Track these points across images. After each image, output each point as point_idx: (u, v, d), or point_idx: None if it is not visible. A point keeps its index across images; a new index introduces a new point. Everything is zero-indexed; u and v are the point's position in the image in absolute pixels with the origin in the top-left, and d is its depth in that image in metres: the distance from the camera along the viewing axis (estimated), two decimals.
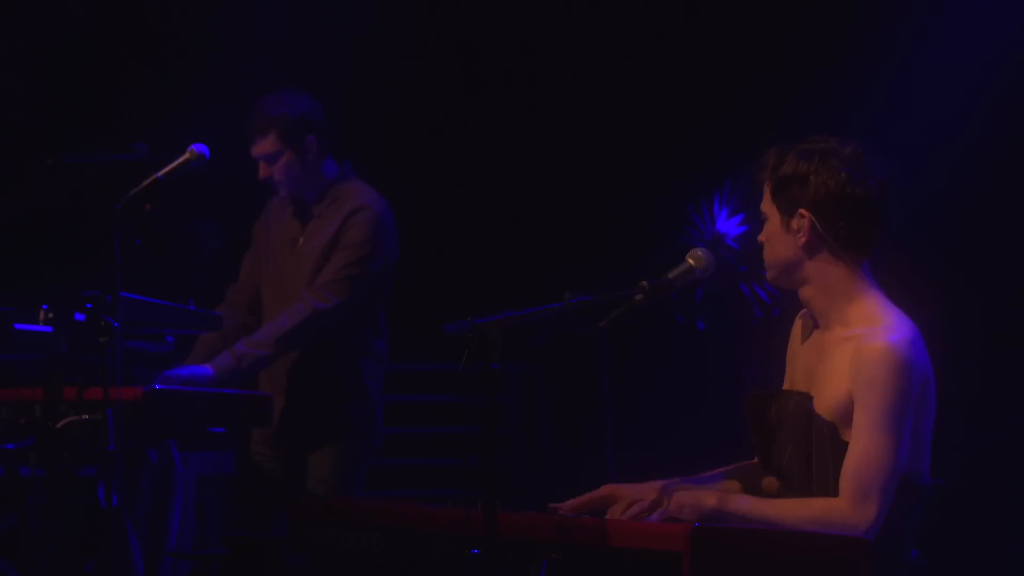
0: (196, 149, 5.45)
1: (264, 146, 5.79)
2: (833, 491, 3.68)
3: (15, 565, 6.21)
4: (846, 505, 3.61)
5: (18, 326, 5.38)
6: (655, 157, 9.09)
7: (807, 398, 3.80)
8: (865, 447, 3.64)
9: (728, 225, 9.15)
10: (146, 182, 5.20)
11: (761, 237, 3.92)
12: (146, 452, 5.86)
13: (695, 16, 8.88)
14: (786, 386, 3.98)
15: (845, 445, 3.69)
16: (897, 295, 3.90)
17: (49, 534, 5.40)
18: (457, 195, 9.09)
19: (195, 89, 8.02)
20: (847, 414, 3.70)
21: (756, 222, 3.99)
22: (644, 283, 3.77)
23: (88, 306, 4.95)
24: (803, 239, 3.82)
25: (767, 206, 3.88)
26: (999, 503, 8.34)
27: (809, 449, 3.76)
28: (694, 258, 3.86)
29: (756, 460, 3.97)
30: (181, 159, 5.40)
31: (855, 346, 3.72)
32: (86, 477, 5.48)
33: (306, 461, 5.79)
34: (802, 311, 3.99)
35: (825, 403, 3.76)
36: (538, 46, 9.12)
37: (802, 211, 3.81)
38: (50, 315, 5.15)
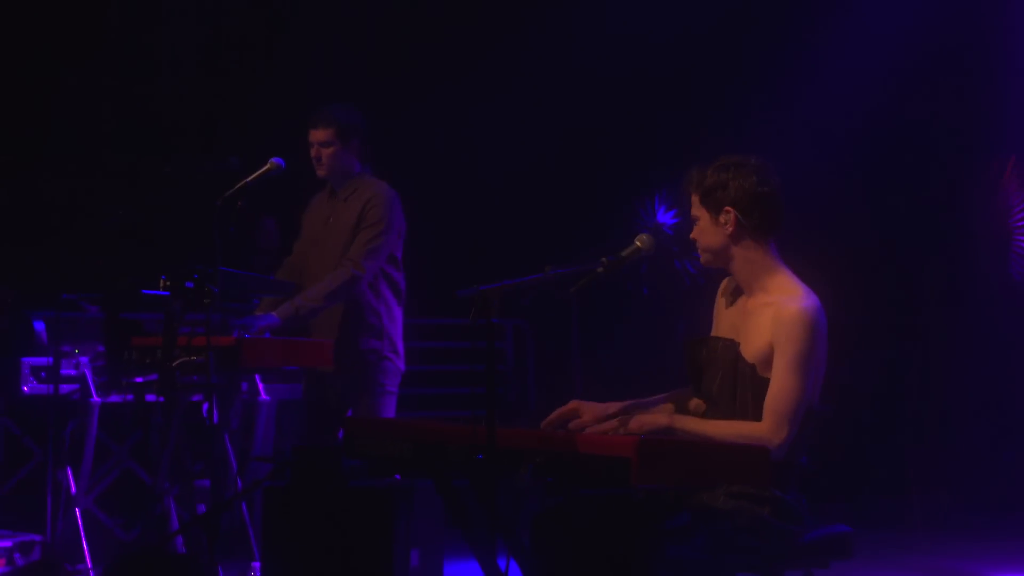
0: (275, 161, 5.40)
1: (322, 135, 5.70)
2: (751, 414, 3.68)
3: (144, 468, 6.20)
4: (767, 428, 3.61)
5: (144, 291, 5.35)
6: (613, 167, 9.13)
7: (734, 343, 3.80)
8: (782, 385, 3.64)
9: (665, 217, 9.21)
10: (238, 185, 5.14)
11: (694, 234, 3.90)
12: (239, 383, 5.83)
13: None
14: (713, 334, 3.96)
15: (763, 381, 3.69)
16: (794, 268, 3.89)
17: (168, 444, 5.37)
18: (467, 196, 9.08)
19: (275, 116, 8.01)
20: (766, 359, 3.70)
21: (686, 216, 3.97)
22: (604, 259, 3.75)
23: (195, 276, 4.91)
24: (730, 229, 3.81)
25: (697, 210, 3.87)
26: (864, 423, 8.41)
27: (734, 382, 3.76)
28: (640, 240, 3.84)
29: (688, 388, 3.96)
30: (264, 168, 5.34)
31: (775, 309, 3.71)
32: (194, 402, 5.47)
33: (347, 386, 5.73)
34: (726, 278, 3.96)
35: (749, 351, 3.75)
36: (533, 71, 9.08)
37: (727, 208, 3.80)
38: (167, 283, 5.10)
